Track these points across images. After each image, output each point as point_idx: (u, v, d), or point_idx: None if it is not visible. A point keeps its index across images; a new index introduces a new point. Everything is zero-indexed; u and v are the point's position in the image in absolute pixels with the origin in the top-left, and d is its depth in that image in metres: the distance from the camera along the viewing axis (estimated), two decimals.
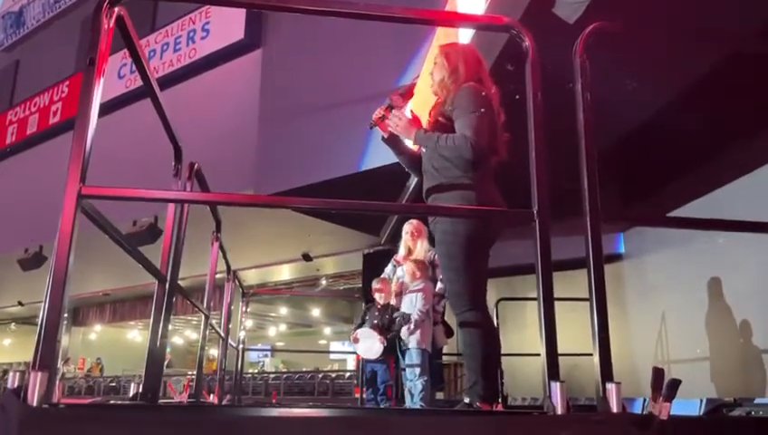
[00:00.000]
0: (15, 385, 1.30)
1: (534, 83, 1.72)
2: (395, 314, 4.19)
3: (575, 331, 2.55)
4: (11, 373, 1.33)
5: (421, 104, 3.40)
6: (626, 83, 4.48)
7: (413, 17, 1.89)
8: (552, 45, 2.15)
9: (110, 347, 18.03)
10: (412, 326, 4.00)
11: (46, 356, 1.32)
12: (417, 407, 3.83)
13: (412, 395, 3.94)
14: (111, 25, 1.58)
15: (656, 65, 4.33)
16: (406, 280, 4.22)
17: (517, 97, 1.96)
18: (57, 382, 1.33)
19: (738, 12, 3.64)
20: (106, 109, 9.33)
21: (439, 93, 2.76)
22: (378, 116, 2.74)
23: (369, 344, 4.33)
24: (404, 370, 4.12)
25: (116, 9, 1.59)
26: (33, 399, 1.27)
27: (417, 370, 3.94)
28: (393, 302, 4.35)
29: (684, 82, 4.62)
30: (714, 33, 2.53)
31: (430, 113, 2.78)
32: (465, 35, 4.21)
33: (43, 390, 1.28)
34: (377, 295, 4.50)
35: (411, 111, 2.87)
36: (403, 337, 4.09)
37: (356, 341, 4.44)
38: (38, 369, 1.29)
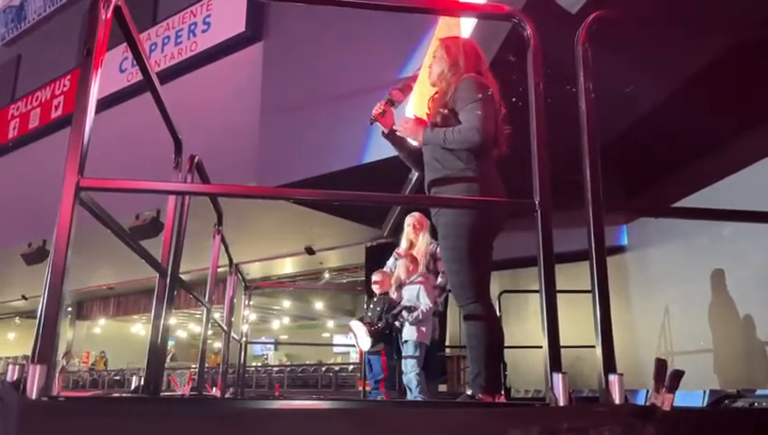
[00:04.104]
0: (15, 378, 1.29)
1: (536, 73, 1.70)
2: (396, 309, 4.20)
3: (578, 323, 2.55)
4: (10, 366, 1.32)
5: (421, 97, 3.39)
6: (626, 78, 4.46)
7: (414, 6, 1.87)
8: (554, 35, 2.14)
9: (115, 341, 18.10)
10: (420, 317, 4.00)
11: (45, 349, 1.31)
12: (419, 399, 3.84)
13: (410, 389, 3.95)
14: (109, 16, 1.57)
15: (657, 57, 4.31)
16: (401, 276, 4.24)
17: (516, 100, 1.95)
18: (57, 375, 1.33)
19: (739, 6, 3.61)
20: (108, 103, 9.36)
21: (439, 86, 2.75)
22: (378, 111, 2.74)
23: (360, 337, 4.47)
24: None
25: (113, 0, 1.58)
26: (33, 392, 1.26)
27: (411, 362, 3.95)
28: (394, 295, 4.37)
29: (684, 75, 4.60)
30: (714, 20, 2.51)
31: (430, 106, 2.77)
32: (466, 26, 4.18)
33: (42, 382, 1.27)
34: (374, 287, 4.60)
35: (415, 116, 2.86)
36: (403, 331, 4.09)
37: (348, 331, 4.60)
38: (37, 362, 1.29)
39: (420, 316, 3.99)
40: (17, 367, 1.30)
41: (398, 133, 2.74)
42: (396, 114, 2.83)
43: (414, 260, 4.23)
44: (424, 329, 4.03)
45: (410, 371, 3.94)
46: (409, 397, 3.97)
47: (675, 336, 6.40)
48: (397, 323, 4.17)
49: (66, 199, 1.41)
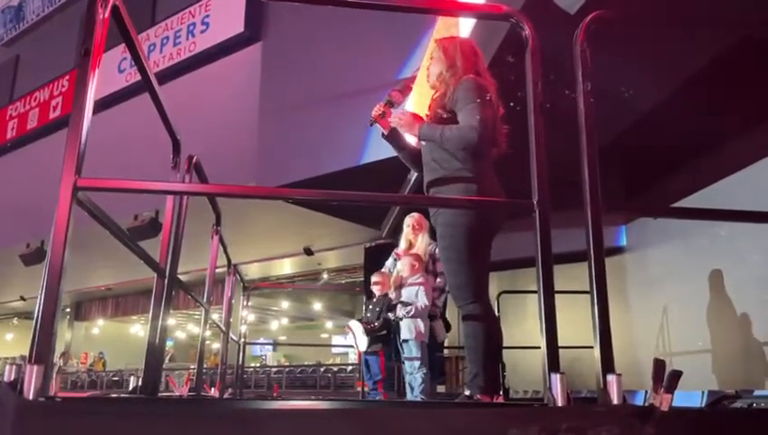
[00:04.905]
0: (12, 378, 1.29)
1: (534, 73, 1.70)
2: (392, 303, 4.21)
3: (577, 324, 2.55)
4: (7, 366, 1.32)
5: (421, 98, 3.39)
6: (625, 78, 4.46)
7: (411, 6, 1.87)
8: (554, 35, 2.14)
9: (113, 341, 18.06)
10: (413, 311, 4.00)
11: (42, 349, 1.31)
12: (418, 399, 3.83)
13: (412, 388, 3.94)
14: (107, 16, 1.57)
15: (656, 58, 4.31)
16: (404, 274, 4.23)
17: (517, 100, 1.95)
18: (54, 376, 1.32)
19: (739, 6, 3.61)
20: (107, 104, 9.32)
21: (438, 87, 2.75)
22: (377, 113, 2.74)
23: (358, 337, 4.48)
24: (403, 362, 4.13)
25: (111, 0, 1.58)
26: (30, 392, 1.26)
27: (416, 362, 3.95)
28: (393, 295, 4.36)
29: (684, 75, 4.60)
30: (714, 20, 2.51)
31: (429, 107, 2.78)
32: (465, 26, 4.18)
33: (39, 383, 1.27)
34: (374, 288, 4.60)
35: (411, 113, 2.87)
36: (402, 330, 4.09)
37: (347, 331, 4.63)
38: (34, 362, 1.29)
39: (413, 311, 3.99)
40: (14, 367, 1.30)
41: (393, 125, 2.73)
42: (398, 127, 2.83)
43: (419, 259, 4.24)
44: (422, 327, 4.02)
45: (416, 370, 3.94)
46: (409, 397, 3.97)
47: (673, 337, 6.40)
48: (390, 316, 4.17)
49: (63, 199, 1.41)
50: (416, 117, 2.69)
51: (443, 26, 4.61)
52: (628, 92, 4.70)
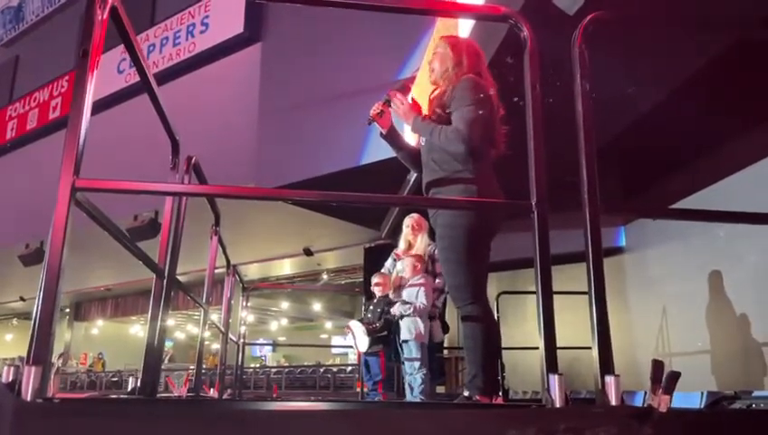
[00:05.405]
0: (10, 379, 1.29)
1: (533, 74, 1.70)
2: (394, 300, 4.22)
3: (576, 324, 2.55)
4: (5, 368, 1.32)
5: (421, 95, 3.38)
6: (623, 79, 4.46)
7: (411, 7, 1.87)
8: (553, 37, 2.14)
9: (113, 342, 18.06)
10: (410, 309, 4.00)
11: (40, 350, 1.31)
12: (417, 400, 3.83)
13: (412, 388, 3.94)
14: (105, 17, 1.57)
15: (654, 58, 4.31)
16: (406, 274, 4.23)
17: (517, 101, 1.95)
18: (52, 377, 1.32)
19: (739, 6, 3.61)
20: (106, 104, 9.30)
21: (440, 84, 2.74)
22: (375, 112, 2.74)
23: (358, 337, 4.47)
24: (403, 363, 4.13)
25: (110, 0, 1.58)
26: (28, 393, 1.26)
27: (416, 363, 3.95)
28: (393, 296, 4.36)
29: (683, 75, 4.59)
30: (713, 21, 2.51)
31: (429, 107, 2.77)
32: (464, 27, 4.18)
33: (37, 384, 1.27)
34: (375, 289, 4.60)
35: (413, 99, 2.87)
36: (402, 330, 4.09)
37: (347, 332, 4.62)
38: (32, 363, 1.29)
39: (411, 309, 3.99)
40: (12, 368, 1.30)
41: (392, 109, 2.73)
42: (393, 115, 2.83)
43: (420, 259, 4.24)
44: (422, 327, 4.02)
45: (416, 371, 3.94)
46: (409, 397, 3.97)
47: (672, 337, 6.40)
48: (392, 311, 4.17)
49: (62, 200, 1.41)
50: (414, 107, 2.68)
51: (442, 27, 4.61)
52: (627, 93, 4.70)
